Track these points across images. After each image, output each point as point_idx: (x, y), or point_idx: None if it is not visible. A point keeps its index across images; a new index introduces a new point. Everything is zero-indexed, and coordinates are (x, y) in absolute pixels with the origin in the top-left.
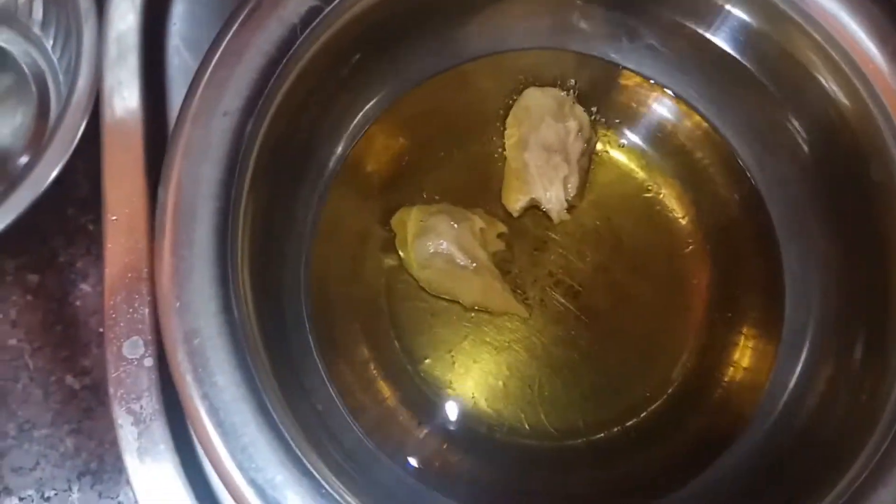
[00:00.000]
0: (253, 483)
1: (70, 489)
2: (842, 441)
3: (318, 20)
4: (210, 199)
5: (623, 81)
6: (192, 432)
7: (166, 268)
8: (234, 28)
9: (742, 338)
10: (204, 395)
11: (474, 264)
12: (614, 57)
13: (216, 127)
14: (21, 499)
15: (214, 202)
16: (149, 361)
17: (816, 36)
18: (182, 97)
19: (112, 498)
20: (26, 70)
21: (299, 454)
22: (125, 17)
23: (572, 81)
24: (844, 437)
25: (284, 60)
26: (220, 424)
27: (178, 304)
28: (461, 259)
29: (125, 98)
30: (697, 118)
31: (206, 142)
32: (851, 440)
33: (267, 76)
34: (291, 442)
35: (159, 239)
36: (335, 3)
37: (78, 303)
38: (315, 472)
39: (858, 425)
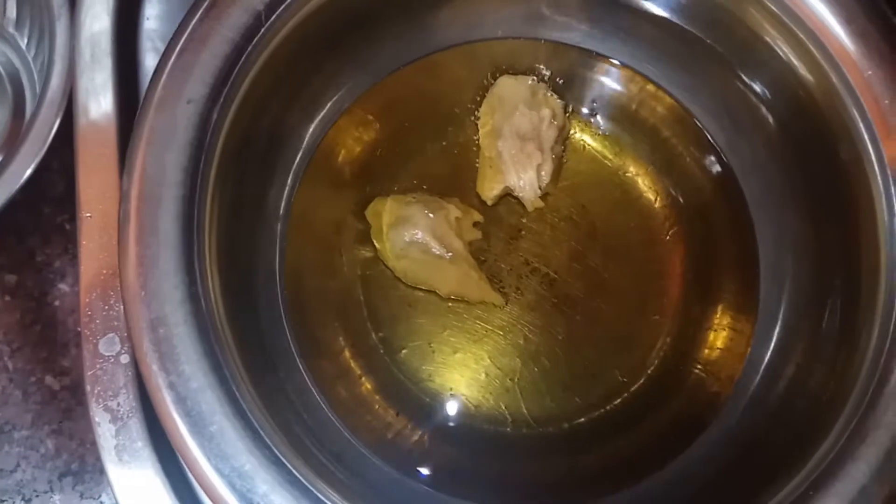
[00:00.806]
0: (220, 472)
1: (51, 490)
2: (814, 418)
3: (283, 6)
4: (175, 187)
5: (595, 68)
6: (162, 423)
7: (131, 256)
8: (198, 15)
9: (717, 320)
10: (170, 384)
11: (450, 254)
12: (586, 44)
13: (181, 114)
14: (2, 501)
15: (179, 189)
16: (125, 358)
17: (779, 13)
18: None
19: (94, 498)
20: (1, 69)
21: (268, 442)
22: (98, 17)
23: (545, 69)
24: (816, 414)
25: (249, 48)
26: (187, 413)
27: (142, 292)
28: (437, 249)
29: (99, 97)
30: (670, 101)
31: (170, 129)
32: (823, 417)
33: (232, 63)
34: (260, 430)
35: (123, 227)
36: None
37: (56, 302)
38: (284, 460)
39: (829, 402)
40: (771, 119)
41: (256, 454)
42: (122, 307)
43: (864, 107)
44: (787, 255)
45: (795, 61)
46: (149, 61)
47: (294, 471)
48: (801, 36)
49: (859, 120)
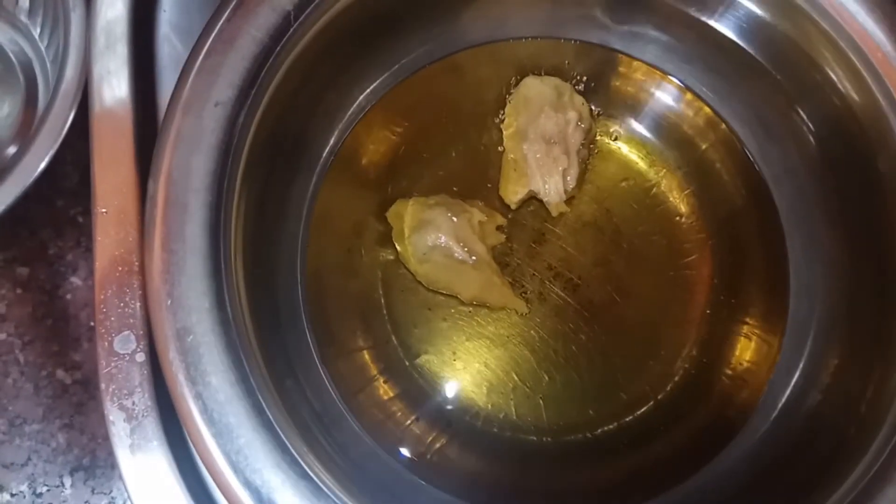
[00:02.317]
0: (248, 485)
1: (62, 484)
2: (847, 437)
3: (311, 7)
4: (202, 192)
5: (624, 69)
6: (186, 433)
7: (157, 263)
8: (226, 15)
9: (745, 331)
10: (197, 394)
11: (473, 258)
12: (615, 44)
13: (208, 117)
14: (13, 494)
15: (206, 195)
16: (140, 356)
17: (823, 24)
18: (172, 86)
19: (105, 493)
20: (13, 59)
21: (296, 455)
22: (114, 5)
23: (572, 70)
24: (850, 433)
25: (278, 49)
26: (213, 425)
27: (169, 300)
28: (460, 253)
29: (114, 87)
30: (701, 106)
31: (197, 132)
32: (858, 436)
33: (260, 65)
34: (287, 442)
35: (149, 233)
36: None
37: (68, 296)
38: (312, 473)
39: (865, 421)
40: (806, 129)
41: (284, 467)
42: (137, 304)
43: None
44: (818, 269)
45: (837, 73)
46: (164, 50)
47: (322, 484)
48: (842, 44)
49: None
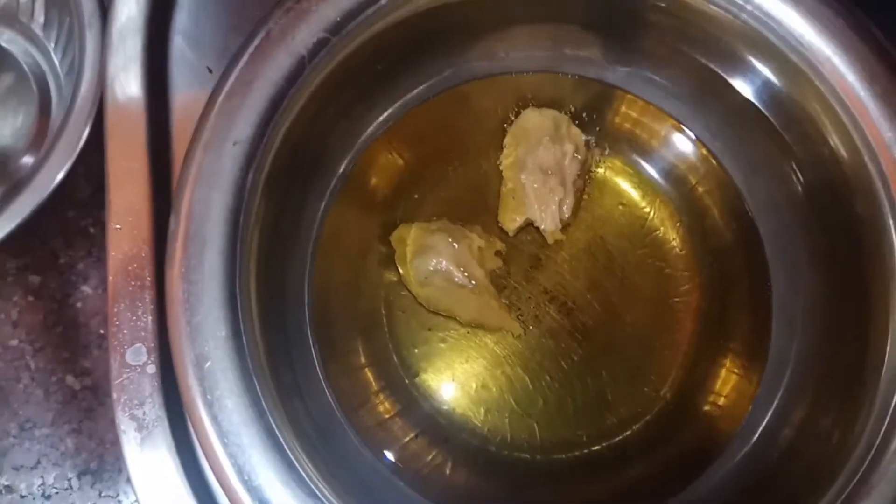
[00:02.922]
0: (260, 501)
1: (71, 487)
2: (821, 462)
3: (325, 50)
4: (220, 225)
5: (620, 104)
6: (202, 453)
7: (177, 293)
8: (244, 59)
9: (729, 358)
10: (213, 417)
11: (472, 283)
12: (612, 81)
13: (226, 155)
14: (22, 497)
15: (224, 227)
16: (151, 368)
17: (813, 77)
18: (184, 91)
19: (112, 497)
20: (27, 70)
21: (303, 474)
22: (130, 18)
23: (570, 103)
24: (824, 458)
25: (292, 90)
26: (228, 446)
27: (188, 328)
28: (459, 278)
29: (129, 96)
30: (693, 142)
31: (216, 170)
32: (829, 463)
33: (275, 106)
34: (295, 461)
35: (170, 265)
36: (342, 34)
37: (79, 304)
38: (317, 491)
39: (835, 450)
40: (792, 171)
41: (292, 486)
42: (149, 318)
43: (883, 166)
44: (800, 304)
45: (825, 123)
46: (178, 59)
47: (321, 497)
48: (826, 96)
49: (877, 177)
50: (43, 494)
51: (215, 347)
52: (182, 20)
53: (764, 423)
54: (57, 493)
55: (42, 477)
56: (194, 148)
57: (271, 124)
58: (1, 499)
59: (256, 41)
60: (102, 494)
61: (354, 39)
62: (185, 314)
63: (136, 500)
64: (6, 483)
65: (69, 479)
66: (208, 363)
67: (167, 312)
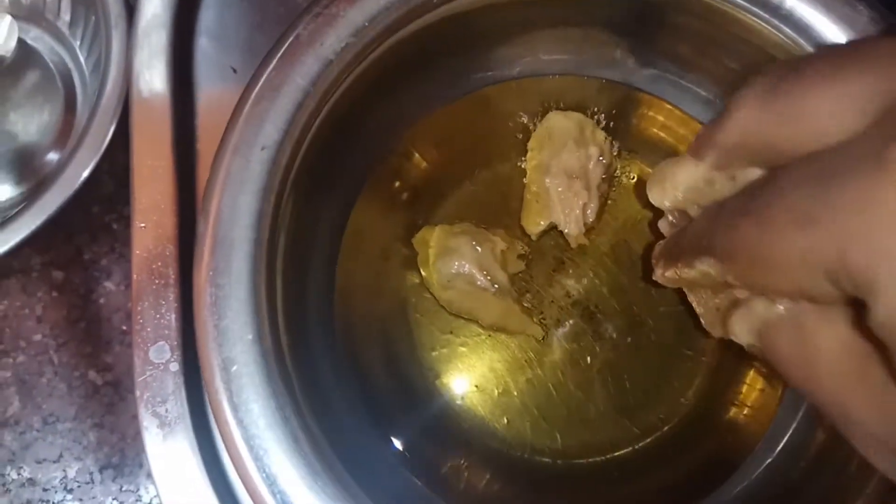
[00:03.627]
0: None
1: (92, 481)
2: (849, 472)
3: (352, 54)
4: (247, 229)
5: (645, 107)
6: (227, 456)
7: (205, 297)
8: (273, 63)
9: (755, 365)
10: (239, 420)
11: (495, 286)
12: (637, 83)
13: (255, 160)
14: (45, 490)
15: (251, 232)
16: (174, 366)
17: None
18: (209, 90)
19: (132, 491)
20: (53, 68)
21: (325, 478)
22: (156, 16)
23: (595, 106)
24: (851, 468)
25: (320, 95)
26: (254, 449)
27: (215, 332)
28: (482, 282)
29: (154, 94)
30: None
31: (244, 174)
32: (859, 473)
33: (303, 111)
34: (318, 464)
35: (198, 269)
36: (369, 39)
37: (102, 300)
38: (343, 498)
39: (863, 463)
40: None
41: (316, 489)
42: (172, 316)
43: None
44: None
45: None
46: (202, 72)
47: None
48: None
49: None
50: (65, 488)
51: (242, 351)
52: (207, 18)
53: (790, 432)
54: (79, 486)
55: (64, 470)
56: (223, 152)
57: (299, 129)
58: (23, 491)
59: (285, 46)
60: (123, 489)
61: (381, 44)
62: (213, 318)
63: (157, 496)
64: (29, 476)
65: (91, 473)
66: (234, 367)
67: (195, 316)
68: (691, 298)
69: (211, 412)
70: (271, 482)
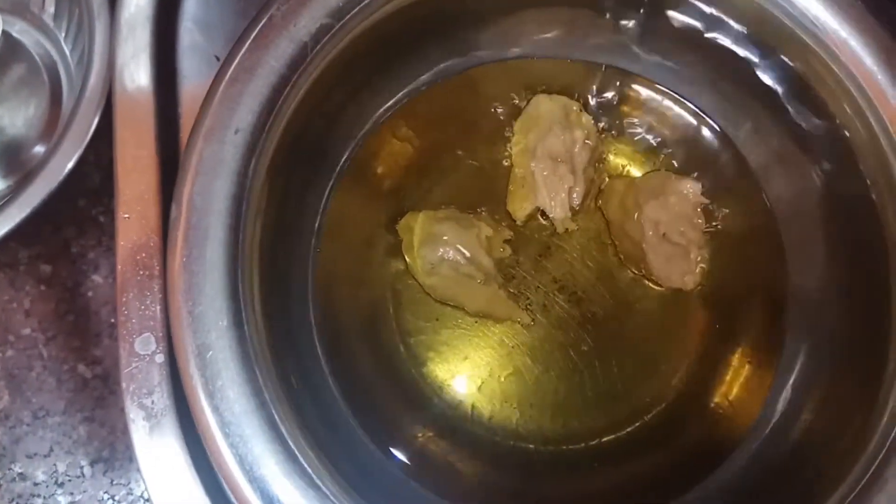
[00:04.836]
0: (261, 492)
1: (83, 475)
2: (833, 458)
3: (328, 36)
4: (222, 215)
5: (631, 89)
6: (203, 441)
7: (179, 283)
8: (246, 45)
9: (742, 351)
10: (215, 407)
11: (480, 273)
12: (623, 65)
13: (228, 143)
14: (35, 484)
15: (226, 218)
16: (160, 357)
17: (830, 62)
18: (192, 80)
19: (123, 485)
20: (38, 61)
21: (304, 464)
22: (139, 8)
23: (581, 89)
24: (836, 453)
25: (295, 77)
26: (229, 436)
27: (189, 318)
28: (467, 268)
29: (138, 86)
30: (711, 130)
31: (218, 159)
32: (843, 458)
33: (278, 93)
34: (297, 451)
35: (171, 255)
36: (346, 19)
37: (90, 293)
38: (319, 481)
39: (850, 445)
40: (811, 159)
41: (293, 477)
42: (157, 307)
43: None
44: (816, 296)
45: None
46: (185, 42)
47: (326, 491)
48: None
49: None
50: (56, 482)
51: (217, 337)
52: (190, 6)
53: (776, 418)
54: (70, 480)
55: (55, 464)
56: (195, 137)
57: (274, 112)
58: (15, 486)
59: (258, 28)
60: (114, 482)
61: (359, 24)
62: (187, 304)
63: (146, 490)
64: (20, 471)
65: (81, 467)
66: (210, 353)
67: (168, 303)
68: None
69: None
70: (248, 469)
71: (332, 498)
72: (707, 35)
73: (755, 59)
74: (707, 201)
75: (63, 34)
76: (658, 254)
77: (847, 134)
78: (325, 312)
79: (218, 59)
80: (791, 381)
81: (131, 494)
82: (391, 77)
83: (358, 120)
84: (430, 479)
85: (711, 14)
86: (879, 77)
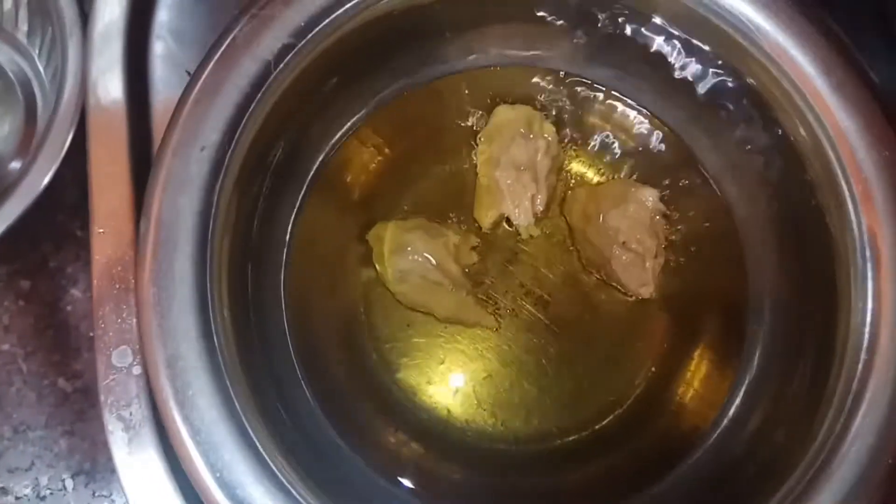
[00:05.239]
0: (232, 498)
1: (65, 488)
2: (784, 452)
3: (291, 54)
4: (189, 231)
5: (593, 99)
6: (175, 449)
7: (148, 297)
8: (211, 65)
9: (703, 350)
10: (185, 417)
11: (448, 280)
12: (587, 76)
13: (195, 160)
14: (17, 498)
15: (193, 233)
16: (137, 369)
17: (770, 67)
18: (166, 93)
19: (105, 496)
20: (13, 78)
21: (275, 470)
22: (111, 23)
23: (542, 99)
24: (787, 447)
25: (259, 95)
26: (200, 444)
27: (159, 331)
28: (435, 275)
29: (111, 101)
30: (667, 136)
31: (184, 175)
32: (794, 451)
33: (242, 110)
34: (268, 459)
35: (140, 269)
36: (308, 37)
37: (69, 308)
38: (290, 487)
39: (800, 438)
40: (762, 162)
41: (265, 482)
42: (134, 320)
43: (841, 154)
44: (770, 295)
45: (786, 110)
46: (158, 51)
47: (298, 497)
48: (787, 87)
49: (838, 169)
50: (38, 496)
51: (187, 349)
52: (163, 21)
53: (732, 415)
54: (51, 493)
55: (36, 478)
56: (163, 153)
57: (239, 129)
58: None
59: (222, 48)
60: (96, 494)
61: (322, 42)
62: (156, 317)
63: (127, 501)
64: (1, 485)
65: (63, 481)
66: (180, 363)
67: (137, 317)
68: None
69: None
70: (218, 476)
71: (301, 501)
72: (655, 48)
73: (704, 69)
74: (664, 209)
75: (37, 51)
76: (618, 261)
77: (793, 140)
78: (299, 321)
79: (189, 74)
80: (747, 381)
81: None
82: (356, 90)
83: (325, 133)
84: (405, 482)
85: (663, 27)
86: (818, 82)
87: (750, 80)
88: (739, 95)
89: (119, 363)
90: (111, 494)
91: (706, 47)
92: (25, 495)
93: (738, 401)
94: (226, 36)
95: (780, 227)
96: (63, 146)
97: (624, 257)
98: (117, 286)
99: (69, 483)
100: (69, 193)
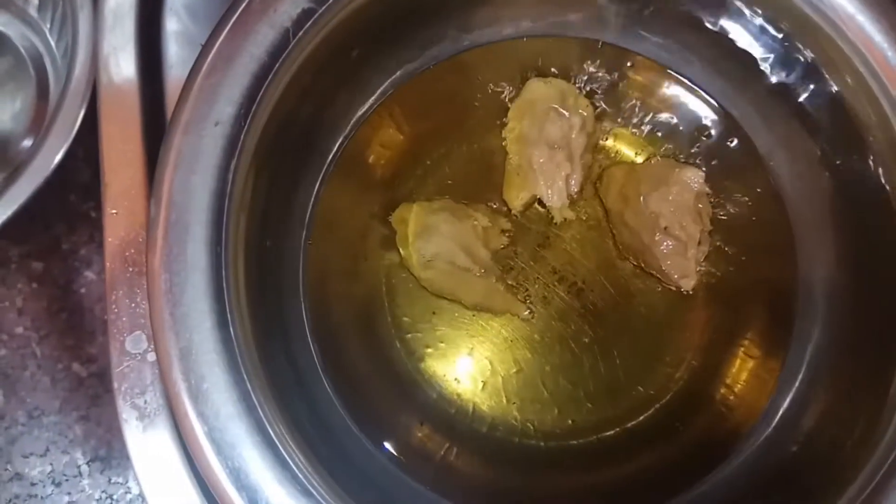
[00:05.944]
0: (251, 501)
1: (80, 474)
2: (843, 456)
3: (311, 21)
4: (203, 212)
5: (633, 70)
6: (188, 448)
7: (159, 283)
8: (224, 33)
9: (748, 343)
10: (199, 413)
11: (476, 266)
12: (625, 45)
13: (208, 136)
14: (32, 484)
15: (207, 214)
16: (152, 356)
17: (832, 33)
18: (180, 69)
19: (121, 483)
20: (24, 54)
21: (296, 470)
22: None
23: (578, 71)
24: (846, 451)
25: (277, 65)
26: (215, 443)
27: (172, 320)
28: (463, 261)
29: (123, 78)
30: (714, 111)
31: (197, 152)
32: (853, 456)
33: (259, 82)
34: (287, 458)
35: (151, 254)
36: (329, 2)
37: (83, 290)
38: (311, 488)
39: (860, 441)
40: (817, 141)
41: (285, 483)
42: (147, 304)
43: None
44: (825, 287)
45: (847, 80)
46: (173, 27)
47: (320, 499)
48: (851, 56)
49: None
50: (53, 482)
51: (201, 340)
52: None
53: (781, 412)
54: (67, 479)
55: (51, 464)
56: (173, 130)
57: (255, 103)
58: (11, 486)
59: (237, 14)
60: (112, 481)
61: (344, 8)
62: (168, 306)
63: (141, 491)
64: (16, 471)
65: (78, 466)
66: (194, 355)
67: (149, 304)
68: None
69: None
70: (236, 476)
71: (322, 501)
72: (710, 16)
73: (760, 38)
74: (710, 191)
75: (48, 26)
76: (658, 249)
77: (856, 114)
78: (318, 308)
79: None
80: (799, 375)
81: (129, 493)
82: (379, 63)
83: (347, 108)
84: (428, 477)
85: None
86: (889, 54)
87: (810, 51)
88: (800, 67)
89: (133, 349)
90: (127, 482)
91: (761, 14)
92: (41, 482)
93: (787, 401)
94: (241, 1)
95: (837, 212)
96: (75, 124)
97: (665, 244)
98: (130, 269)
99: (84, 469)
100: (82, 173)
